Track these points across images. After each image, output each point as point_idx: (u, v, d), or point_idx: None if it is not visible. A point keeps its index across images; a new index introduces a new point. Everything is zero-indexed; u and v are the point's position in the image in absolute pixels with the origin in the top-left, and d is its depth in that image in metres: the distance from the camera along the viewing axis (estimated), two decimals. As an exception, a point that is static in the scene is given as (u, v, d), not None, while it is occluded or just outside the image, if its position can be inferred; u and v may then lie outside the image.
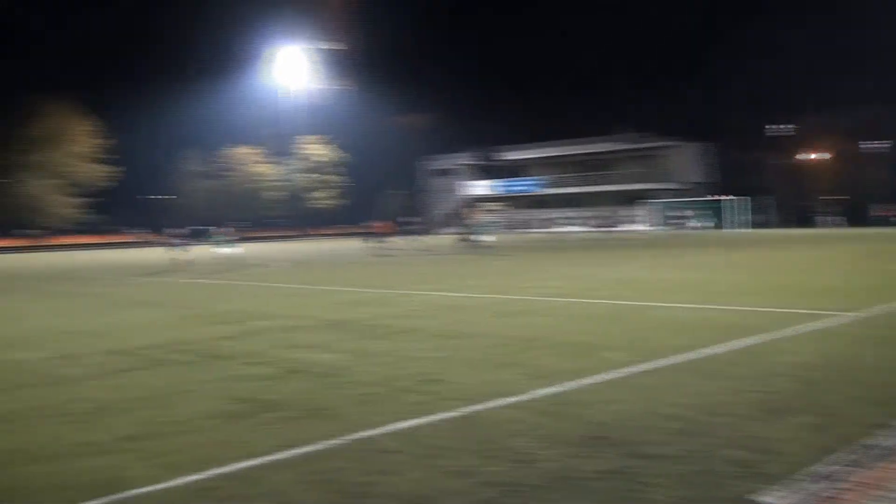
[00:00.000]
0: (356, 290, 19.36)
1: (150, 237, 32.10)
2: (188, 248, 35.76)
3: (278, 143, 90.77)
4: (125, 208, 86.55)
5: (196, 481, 5.22)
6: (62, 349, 11.17)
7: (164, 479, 5.25)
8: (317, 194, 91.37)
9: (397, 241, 42.27)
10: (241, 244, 26.80)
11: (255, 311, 15.25)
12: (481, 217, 47.24)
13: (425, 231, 48.75)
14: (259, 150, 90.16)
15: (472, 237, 38.03)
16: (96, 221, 78.91)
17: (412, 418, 6.52)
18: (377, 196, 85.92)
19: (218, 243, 28.25)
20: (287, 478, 5.20)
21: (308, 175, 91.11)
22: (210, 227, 30.01)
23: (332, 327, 12.60)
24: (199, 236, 35.05)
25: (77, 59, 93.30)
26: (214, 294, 19.89)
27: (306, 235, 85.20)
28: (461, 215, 51.29)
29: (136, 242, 66.64)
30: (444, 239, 48.14)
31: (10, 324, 14.75)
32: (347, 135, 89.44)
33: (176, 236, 34.29)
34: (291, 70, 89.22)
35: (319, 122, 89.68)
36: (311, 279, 24.32)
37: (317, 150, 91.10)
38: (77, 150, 77.01)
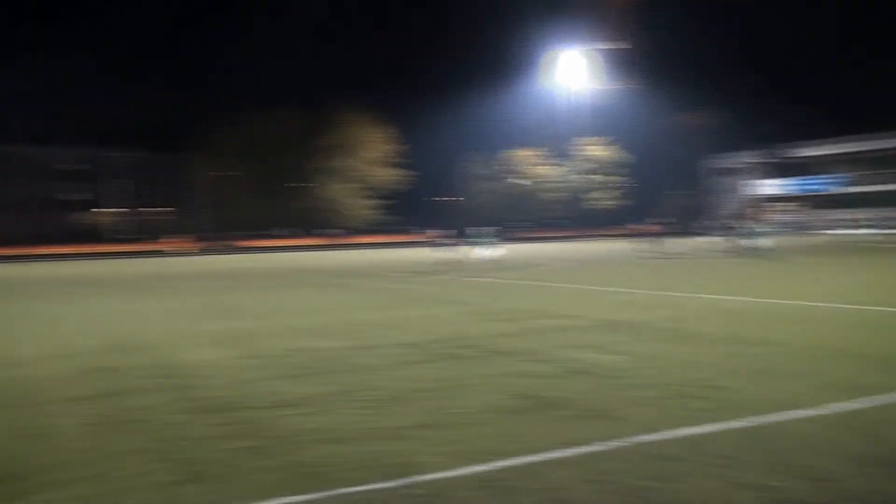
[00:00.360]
0: (629, 291, 19.08)
1: (438, 237, 33.88)
2: (456, 248, 37.24)
3: (558, 145, 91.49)
4: (416, 210, 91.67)
5: (479, 472, 5.42)
6: (358, 340, 12.07)
7: (450, 468, 5.51)
8: (596, 195, 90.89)
9: (667, 243, 41.07)
10: (502, 245, 27.20)
11: (533, 310, 15.51)
12: (767, 217, 44.62)
13: (687, 232, 46.75)
14: (539, 152, 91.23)
15: (746, 240, 35.21)
16: (389, 222, 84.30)
17: (696, 425, 6.32)
18: (659, 197, 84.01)
19: (478, 244, 28.84)
20: (566, 475, 5.24)
21: (588, 176, 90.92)
22: (471, 228, 30.63)
23: (609, 328, 12.52)
24: (469, 236, 36.15)
25: (371, 69, 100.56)
26: (492, 292, 20.48)
27: (586, 236, 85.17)
28: (746, 215, 48.57)
29: (423, 242, 70.22)
30: (713, 242, 45.89)
31: (309, 315, 16.10)
32: (629, 135, 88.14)
33: (443, 237, 35.60)
34: (573, 71, 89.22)
35: (600, 122, 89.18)
36: (583, 279, 24.32)
37: (597, 150, 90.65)
38: (372, 155, 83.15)
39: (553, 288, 21.10)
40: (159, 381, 9.12)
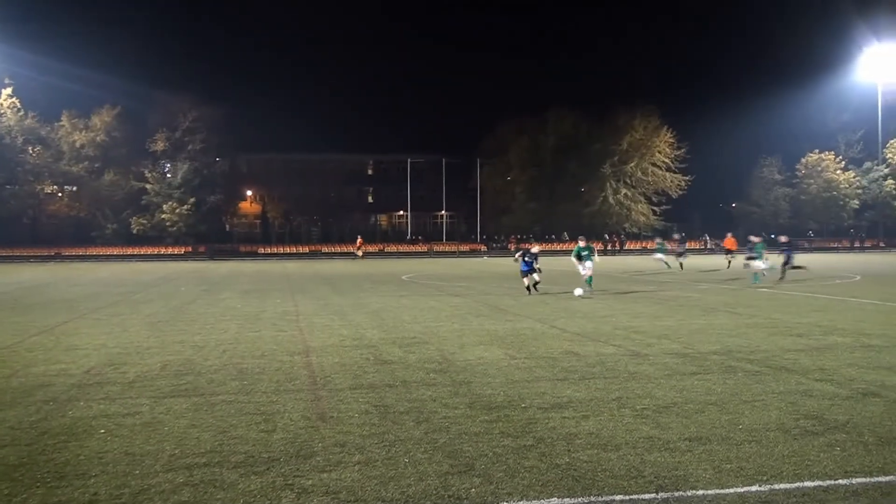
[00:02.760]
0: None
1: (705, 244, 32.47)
2: (685, 255, 35.72)
3: (866, 148, 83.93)
4: (698, 215, 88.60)
5: (755, 493, 5.17)
6: (632, 346, 11.90)
7: (724, 485, 5.30)
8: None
9: None
10: (772, 256, 25.17)
11: (823, 325, 14.37)
12: None
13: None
14: (838, 157, 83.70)
15: None
16: (672, 228, 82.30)
17: None
18: None
19: (754, 255, 26.81)
20: (856, 507, 4.85)
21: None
22: (754, 237, 28.39)
23: (915, 350, 11.33)
24: (751, 247, 34.24)
25: (655, 71, 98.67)
26: (780, 304, 19.21)
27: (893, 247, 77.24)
28: None
29: (708, 249, 67.94)
30: None
31: (585, 319, 16.05)
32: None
33: (673, 242, 34.14)
34: (886, 68, 79.14)
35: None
36: (885, 294, 22.07)
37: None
38: (655, 160, 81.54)
39: (849, 303, 19.43)
40: (436, 375, 9.58)
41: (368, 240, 75.14)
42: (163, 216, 74.00)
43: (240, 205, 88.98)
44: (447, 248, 78.17)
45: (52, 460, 6.11)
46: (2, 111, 70.03)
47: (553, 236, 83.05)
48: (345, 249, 75.95)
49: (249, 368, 10.16)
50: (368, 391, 8.62)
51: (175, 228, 73.51)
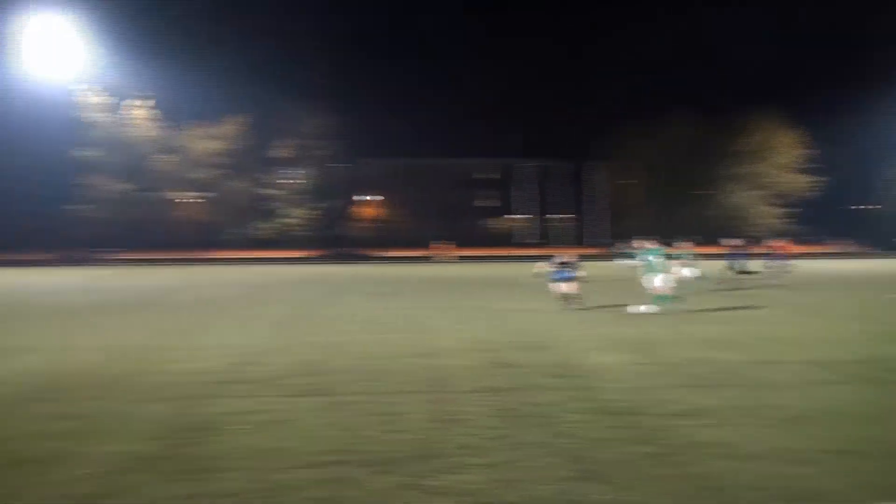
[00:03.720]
0: None
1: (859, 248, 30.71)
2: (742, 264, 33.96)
3: None
4: (829, 218, 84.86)
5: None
6: (761, 354, 11.51)
7: (863, 501, 5.08)
8: None
9: None
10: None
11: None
12: None
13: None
14: None
15: None
16: (799, 231, 79.05)
17: None
18: None
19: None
20: None
21: None
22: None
23: None
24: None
25: (779, 71, 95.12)
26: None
27: None
28: None
29: (845, 253, 65.15)
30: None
31: (716, 325, 15.61)
32: None
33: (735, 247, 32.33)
34: None
35: None
36: None
37: None
38: (781, 161, 78.59)
39: None
40: (560, 379, 9.53)
41: (487, 244, 75.33)
42: (287, 221, 76.60)
43: (361, 209, 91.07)
44: (567, 252, 77.53)
45: (192, 454, 6.41)
46: (137, 122, 74.14)
47: (672, 240, 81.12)
48: (463, 253, 76.48)
49: (375, 369, 10.37)
50: (492, 394, 8.65)
51: (298, 233, 75.81)
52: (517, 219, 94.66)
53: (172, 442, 6.78)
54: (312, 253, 74.53)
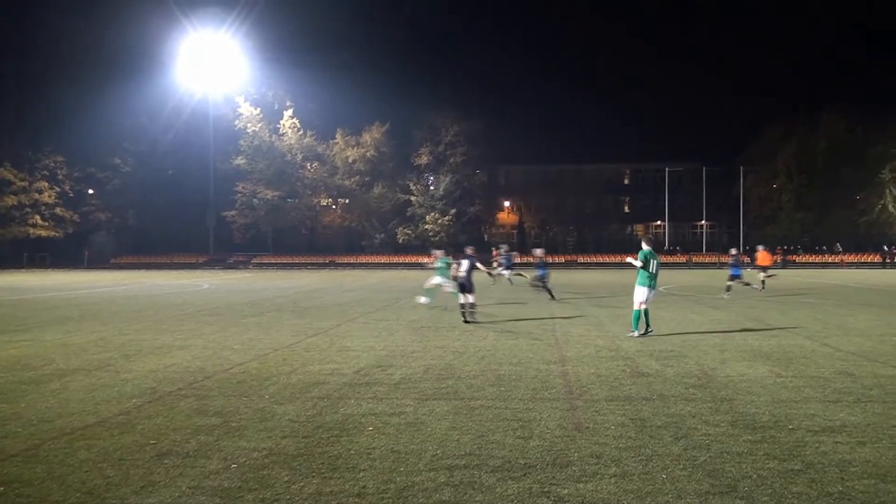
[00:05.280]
0: None
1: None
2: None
3: None
4: None
5: None
6: (919, 369, 10.84)
7: None
8: None
9: None
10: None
11: None
12: None
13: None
14: None
15: None
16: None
17: None
18: None
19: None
20: None
21: None
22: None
23: None
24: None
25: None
26: None
27: None
28: None
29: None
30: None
31: (863, 338, 14.79)
32: None
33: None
34: None
35: None
36: None
37: None
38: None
39: None
40: (696, 390, 9.27)
41: (624, 250, 73.97)
42: (426, 226, 77.99)
43: (498, 215, 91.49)
44: (707, 259, 75.27)
45: (325, 453, 6.61)
46: (284, 131, 77.25)
47: (824, 248, 77.39)
48: (601, 259, 75.57)
49: (507, 375, 10.38)
50: (625, 403, 8.51)
51: (437, 238, 76.81)
52: (657, 225, 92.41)
53: (308, 441, 7.01)
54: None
